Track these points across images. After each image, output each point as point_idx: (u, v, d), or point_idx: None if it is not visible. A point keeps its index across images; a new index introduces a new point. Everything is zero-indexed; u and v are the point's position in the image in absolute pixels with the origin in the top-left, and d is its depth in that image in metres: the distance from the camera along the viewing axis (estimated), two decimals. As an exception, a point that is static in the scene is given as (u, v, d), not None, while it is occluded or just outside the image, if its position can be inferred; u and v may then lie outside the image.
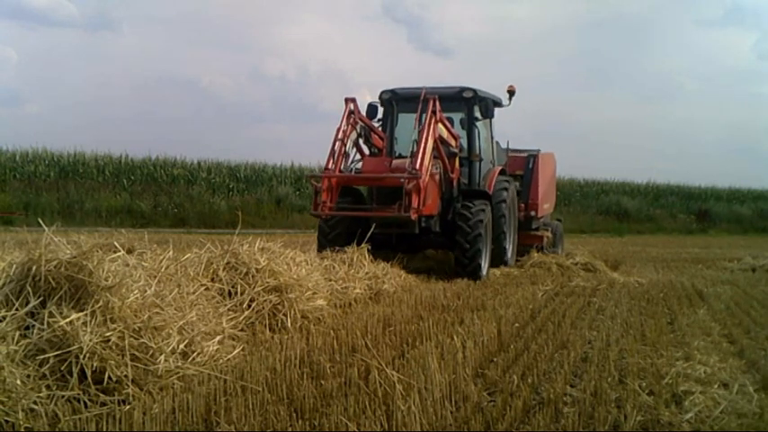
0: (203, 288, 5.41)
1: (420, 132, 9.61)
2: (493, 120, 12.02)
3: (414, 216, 9.02)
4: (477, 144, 11.50)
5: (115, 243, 5.21)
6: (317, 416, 3.65)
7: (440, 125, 10.08)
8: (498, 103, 12.10)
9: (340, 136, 9.84)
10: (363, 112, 10.80)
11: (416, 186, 9.07)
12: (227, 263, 5.88)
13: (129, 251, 5.47)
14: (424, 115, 9.75)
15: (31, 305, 3.92)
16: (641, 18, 65.36)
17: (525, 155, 13.68)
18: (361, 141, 10.56)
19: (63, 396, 3.54)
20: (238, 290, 5.63)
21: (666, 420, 3.72)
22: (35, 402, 3.41)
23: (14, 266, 4.19)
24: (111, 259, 4.49)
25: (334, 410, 3.61)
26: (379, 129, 11.15)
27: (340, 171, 9.75)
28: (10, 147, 29.78)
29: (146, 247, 5.89)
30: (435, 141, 9.83)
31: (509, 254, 11.76)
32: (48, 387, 3.55)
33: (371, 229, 9.26)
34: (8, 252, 4.65)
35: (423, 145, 9.40)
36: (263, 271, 5.87)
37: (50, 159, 29.64)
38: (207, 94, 58.16)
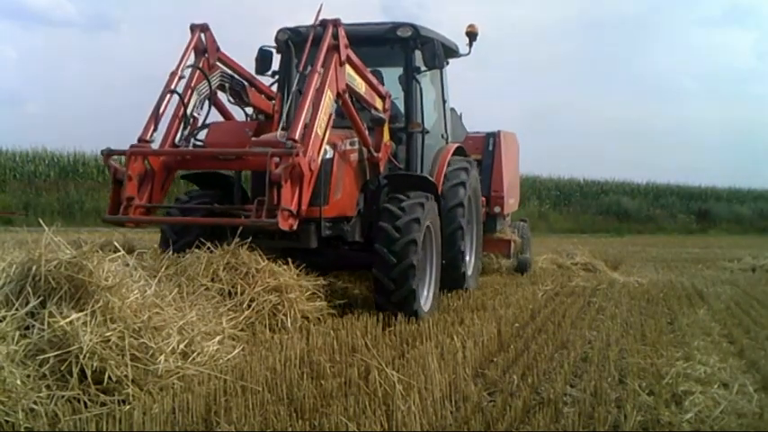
0: (203, 288, 5.40)
1: (307, 78, 5.85)
2: (445, 74, 8.56)
3: (286, 224, 5.31)
4: (420, 107, 7.65)
5: (115, 243, 5.22)
6: (316, 416, 3.65)
7: (350, 70, 6.29)
8: (453, 51, 8.45)
9: (175, 86, 6.09)
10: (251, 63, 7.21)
11: (294, 170, 5.35)
12: (227, 263, 5.86)
13: (130, 251, 5.47)
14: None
15: (31, 305, 3.92)
16: (641, 18, 65.40)
17: (483, 134, 11.10)
18: (228, 98, 6.84)
19: (63, 396, 3.54)
20: (238, 290, 5.62)
21: (666, 420, 3.72)
22: (35, 402, 3.40)
23: (14, 266, 4.18)
24: (111, 259, 4.48)
25: (335, 410, 3.61)
26: (271, 86, 7.49)
27: (173, 145, 6.08)
28: (10, 147, 29.74)
29: (146, 247, 5.89)
30: (341, 96, 6.13)
31: (470, 273, 8.40)
32: (48, 387, 3.55)
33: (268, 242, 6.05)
34: (8, 252, 4.64)
35: (309, 98, 5.69)
36: (263, 271, 5.86)
37: (50, 159, 29.60)
38: (206, 93, 58.04)
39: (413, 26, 7.52)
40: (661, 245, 21.82)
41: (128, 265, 4.72)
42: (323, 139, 5.84)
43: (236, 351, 4.67)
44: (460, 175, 8.03)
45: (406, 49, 7.60)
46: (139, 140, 5.93)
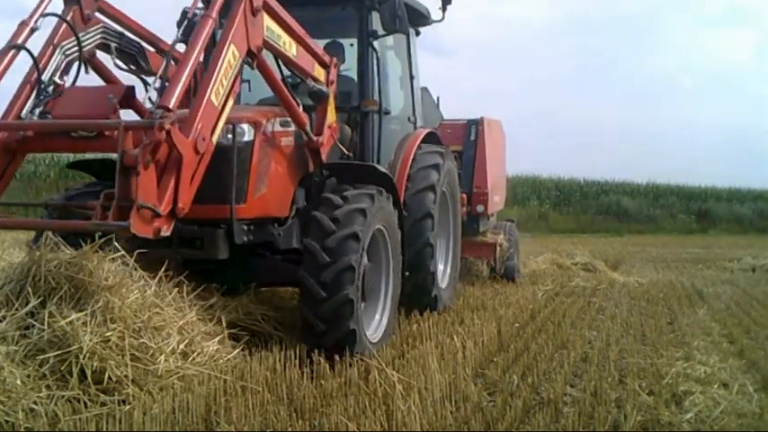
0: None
1: (197, 26, 4.28)
2: (414, 45, 7.15)
3: (146, 228, 3.77)
4: (376, 81, 6.22)
5: (115, 243, 5.21)
6: (316, 416, 3.66)
7: (271, 24, 4.74)
8: (423, 15, 7.06)
9: (21, 40, 4.44)
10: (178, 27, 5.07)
11: (164, 151, 3.83)
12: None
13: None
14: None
15: (31, 305, 3.92)
16: (641, 18, 65.45)
17: (464, 122, 9.53)
18: (115, 62, 5.08)
19: (63, 396, 3.54)
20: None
21: (666, 420, 3.73)
22: (35, 402, 3.41)
23: (14, 266, 4.18)
24: (111, 259, 4.48)
25: (334, 410, 3.62)
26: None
27: (19, 118, 4.29)
28: (10, 147, 29.74)
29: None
30: (255, 56, 4.60)
31: (444, 286, 7.02)
32: (48, 387, 3.55)
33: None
34: (8, 252, 4.64)
35: (195, 53, 4.19)
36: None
37: (50, 159, 29.62)
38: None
39: None
40: (661, 245, 21.78)
41: (128, 265, 4.72)
42: (221, 112, 4.28)
43: (236, 351, 4.66)
44: (429, 176, 6.49)
45: (361, 8, 6.11)
46: None
